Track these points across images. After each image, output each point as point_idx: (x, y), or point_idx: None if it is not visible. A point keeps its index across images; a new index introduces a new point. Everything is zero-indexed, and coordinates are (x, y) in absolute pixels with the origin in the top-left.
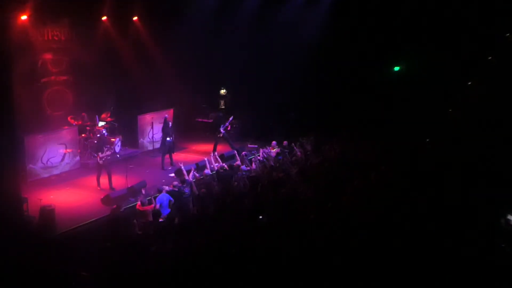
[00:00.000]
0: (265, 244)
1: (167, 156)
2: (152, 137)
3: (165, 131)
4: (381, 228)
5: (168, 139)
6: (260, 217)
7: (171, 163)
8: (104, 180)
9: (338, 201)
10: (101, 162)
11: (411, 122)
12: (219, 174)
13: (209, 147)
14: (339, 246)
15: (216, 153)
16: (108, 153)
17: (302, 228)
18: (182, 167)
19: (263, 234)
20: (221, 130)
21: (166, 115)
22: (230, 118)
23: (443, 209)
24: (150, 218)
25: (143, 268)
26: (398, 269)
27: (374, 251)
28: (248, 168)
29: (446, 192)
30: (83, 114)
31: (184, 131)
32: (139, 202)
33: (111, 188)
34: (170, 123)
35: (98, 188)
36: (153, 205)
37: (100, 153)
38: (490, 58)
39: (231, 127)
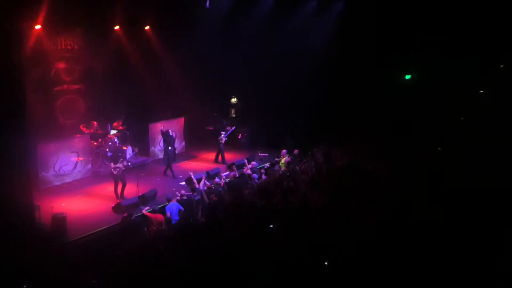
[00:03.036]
0: (275, 252)
1: (171, 164)
2: (163, 145)
3: (167, 141)
4: (390, 237)
5: (170, 148)
6: (271, 226)
7: (172, 174)
8: (119, 189)
9: (347, 209)
10: (115, 172)
11: (423, 130)
12: (230, 183)
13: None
14: (348, 254)
15: (226, 162)
16: (124, 163)
17: (312, 236)
18: (192, 176)
19: (273, 242)
20: (223, 137)
21: (162, 127)
22: (232, 128)
23: (455, 219)
24: (159, 226)
25: (153, 276)
26: (410, 278)
27: (384, 259)
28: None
29: (457, 201)
30: (94, 122)
31: (194, 139)
32: (146, 208)
33: (122, 197)
34: (171, 132)
35: (117, 199)
36: (161, 215)
37: (113, 164)
38: (501, 66)
39: (241, 135)
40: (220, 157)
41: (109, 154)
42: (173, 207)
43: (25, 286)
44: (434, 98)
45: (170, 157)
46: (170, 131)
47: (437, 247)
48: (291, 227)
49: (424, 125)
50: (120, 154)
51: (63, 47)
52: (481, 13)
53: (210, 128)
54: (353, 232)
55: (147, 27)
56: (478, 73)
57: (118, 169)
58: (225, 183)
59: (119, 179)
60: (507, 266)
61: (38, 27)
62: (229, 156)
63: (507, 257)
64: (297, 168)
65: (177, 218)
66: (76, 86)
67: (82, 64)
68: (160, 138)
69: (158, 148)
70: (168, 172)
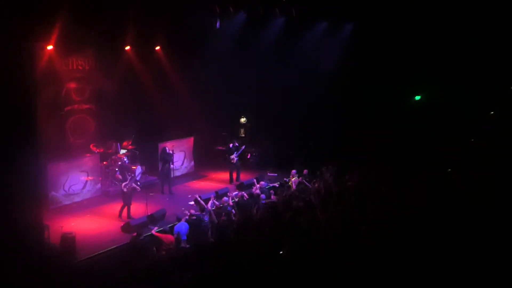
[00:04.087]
0: (284, 276)
1: (165, 182)
2: (173, 165)
3: (164, 158)
4: (401, 259)
5: (166, 165)
6: (281, 252)
7: (169, 191)
8: (125, 209)
9: (357, 230)
10: (125, 190)
11: (433, 151)
12: (238, 203)
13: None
14: (358, 276)
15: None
16: (131, 182)
17: (321, 259)
18: (198, 197)
19: (283, 266)
20: (234, 157)
21: (164, 146)
22: (243, 147)
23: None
24: (168, 246)
25: None
26: None
27: (394, 280)
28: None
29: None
30: (112, 142)
31: (204, 159)
32: (155, 228)
33: (129, 217)
34: (168, 150)
35: (120, 219)
36: (170, 235)
37: (123, 182)
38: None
39: (250, 155)
40: (235, 175)
41: (117, 173)
42: (181, 227)
43: None
44: (443, 119)
45: (167, 174)
46: (167, 148)
47: (452, 270)
48: (300, 249)
49: (434, 146)
50: (128, 173)
51: (75, 67)
52: (492, 34)
53: (221, 148)
54: (364, 253)
55: (157, 47)
56: (488, 95)
57: (127, 187)
58: (234, 202)
59: (127, 198)
60: None
61: (50, 47)
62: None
63: None
64: (307, 188)
65: (185, 238)
66: (87, 106)
67: (93, 84)
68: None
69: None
70: (166, 188)
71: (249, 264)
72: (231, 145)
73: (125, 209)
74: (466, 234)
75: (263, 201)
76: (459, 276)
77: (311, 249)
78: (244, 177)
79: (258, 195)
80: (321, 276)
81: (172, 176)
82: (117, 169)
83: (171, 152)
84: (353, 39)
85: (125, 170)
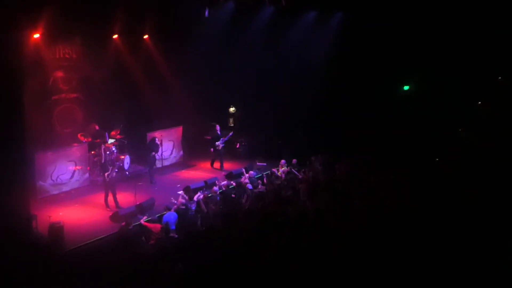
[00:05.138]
0: (274, 262)
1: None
2: (161, 154)
3: (152, 148)
4: (391, 248)
5: (153, 153)
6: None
7: (150, 180)
8: (111, 198)
9: (345, 220)
10: (107, 179)
11: (421, 141)
12: (223, 192)
13: (217, 165)
14: (345, 263)
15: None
16: (114, 172)
17: (309, 247)
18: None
19: (272, 253)
20: (220, 143)
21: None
22: (230, 133)
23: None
24: (157, 236)
25: (152, 285)
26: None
27: (384, 269)
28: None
29: (456, 211)
30: (94, 126)
31: (193, 148)
32: (144, 217)
33: (117, 206)
34: (157, 140)
35: (108, 209)
36: (159, 224)
37: (106, 172)
38: (499, 78)
39: (239, 145)
40: (216, 163)
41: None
42: (170, 217)
43: None
44: (432, 109)
45: (151, 163)
46: (156, 139)
47: (441, 262)
48: (288, 237)
49: (422, 135)
50: (114, 163)
51: (61, 56)
52: (480, 23)
53: (208, 137)
54: (352, 241)
55: (145, 36)
56: (476, 84)
57: (109, 177)
58: (220, 192)
59: (110, 187)
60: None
61: (36, 35)
62: (227, 165)
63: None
64: (296, 177)
65: (174, 227)
66: (74, 95)
67: (80, 73)
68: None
69: (156, 157)
70: (154, 178)
71: (237, 253)
72: (218, 131)
73: (112, 199)
74: (454, 225)
75: (250, 191)
76: (445, 266)
77: (299, 238)
78: (233, 166)
79: (246, 184)
80: (310, 265)
81: (155, 166)
82: (102, 160)
83: (158, 143)
84: (342, 28)
85: (108, 160)
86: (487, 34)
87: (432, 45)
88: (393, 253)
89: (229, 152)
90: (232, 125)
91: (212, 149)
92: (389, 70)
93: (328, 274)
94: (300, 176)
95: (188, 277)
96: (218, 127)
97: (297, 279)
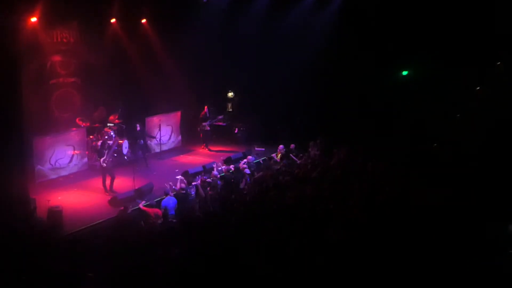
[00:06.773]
0: (271, 247)
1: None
2: (160, 139)
3: (137, 136)
4: (386, 234)
5: (141, 141)
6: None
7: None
8: (108, 182)
9: (343, 205)
10: (104, 165)
11: (419, 126)
12: (224, 177)
13: (216, 149)
14: (344, 249)
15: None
16: (110, 157)
17: (307, 232)
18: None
19: (270, 237)
20: (207, 124)
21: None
22: (220, 117)
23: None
24: (156, 220)
25: (149, 269)
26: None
27: (381, 255)
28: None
29: (453, 196)
30: (103, 109)
31: (191, 133)
32: (143, 202)
33: (112, 190)
34: (139, 127)
35: (106, 194)
36: (158, 209)
37: (101, 158)
38: (498, 63)
39: (238, 130)
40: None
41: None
42: (169, 201)
43: (21, 280)
44: (430, 94)
45: (144, 150)
46: (138, 126)
47: (437, 249)
48: (286, 222)
49: (420, 120)
50: (110, 148)
51: (59, 40)
52: (480, 10)
53: (205, 123)
54: (348, 228)
55: (143, 20)
56: (476, 70)
57: (106, 162)
58: (221, 176)
59: (107, 172)
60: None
61: (34, 19)
62: (227, 150)
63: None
64: (294, 162)
65: (173, 212)
66: (72, 79)
67: (78, 57)
68: (157, 131)
69: (154, 142)
70: (151, 162)
71: (235, 239)
72: (207, 112)
73: (109, 184)
74: (453, 212)
75: (248, 176)
76: (444, 253)
77: (297, 223)
78: (232, 151)
79: (244, 169)
80: (308, 249)
81: (148, 153)
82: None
83: (138, 129)
84: (341, 13)
85: (105, 145)
86: (488, 20)
87: (431, 30)
88: (392, 239)
89: (227, 137)
90: (231, 110)
91: (198, 129)
92: (388, 55)
93: (326, 258)
94: (298, 162)
95: (185, 262)
96: (206, 108)
97: (295, 264)
